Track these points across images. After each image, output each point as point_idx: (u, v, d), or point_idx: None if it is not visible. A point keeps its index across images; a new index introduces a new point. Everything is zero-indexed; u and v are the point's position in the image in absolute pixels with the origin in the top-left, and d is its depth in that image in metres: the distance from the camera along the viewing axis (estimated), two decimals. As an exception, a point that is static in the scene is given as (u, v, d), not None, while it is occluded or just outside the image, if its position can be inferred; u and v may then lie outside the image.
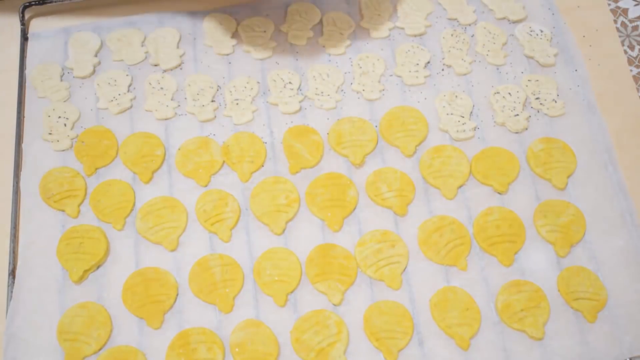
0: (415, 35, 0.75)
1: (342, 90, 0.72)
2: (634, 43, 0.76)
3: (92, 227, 0.64)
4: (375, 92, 0.71)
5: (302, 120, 0.70)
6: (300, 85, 0.72)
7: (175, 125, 0.70)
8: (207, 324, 0.60)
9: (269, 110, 0.71)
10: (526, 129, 0.70)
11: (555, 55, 0.74)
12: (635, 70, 0.74)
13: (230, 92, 0.71)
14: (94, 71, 0.73)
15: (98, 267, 0.63)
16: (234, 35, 0.75)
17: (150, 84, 0.72)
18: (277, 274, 0.62)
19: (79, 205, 0.65)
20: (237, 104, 0.71)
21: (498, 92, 0.71)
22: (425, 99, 0.71)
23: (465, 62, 0.73)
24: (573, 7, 0.77)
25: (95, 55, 0.73)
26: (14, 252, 0.63)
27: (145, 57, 0.74)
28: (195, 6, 0.77)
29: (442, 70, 0.73)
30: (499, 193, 0.67)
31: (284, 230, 0.64)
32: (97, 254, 0.62)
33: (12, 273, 0.62)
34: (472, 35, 0.75)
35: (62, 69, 0.72)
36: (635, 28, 0.77)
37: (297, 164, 0.67)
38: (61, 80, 0.72)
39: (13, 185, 0.66)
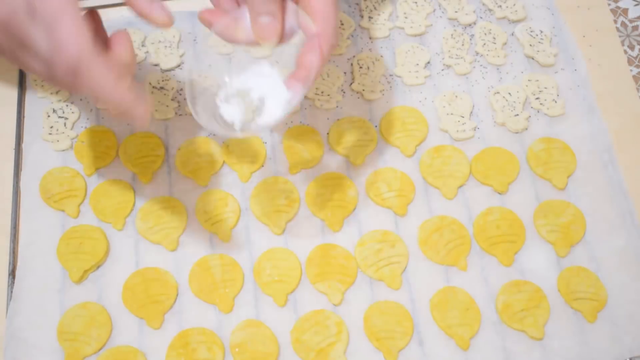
0: (415, 35, 0.75)
1: (342, 90, 0.72)
2: (634, 43, 0.76)
3: (92, 227, 0.64)
4: (375, 92, 0.71)
5: (302, 120, 0.70)
6: (300, 85, 0.72)
7: (175, 125, 0.70)
8: (207, 324, 0.60)
9: (269, 110, 0.71)
10: (526, 129, 0.70)
11: (555, 55, 0.74)
12: (635, 70, 0.74)
13: (230, 92, 0.71)
14: (94, 71, 0.72)
15: (98, 267, 0.63)
16: (234, 35, 0.75)
17: (150, 84, 0.72)
18: (277, 274, 0.62)
19: (79, 205, 0.65)
20: (237, 104, 0.70)
21: (498, 92, 0.71)
22: (425, 99, 0.71)
23: (465, 62, 0.73)
24: (573, 7, 0.77)
25: (95, 55, 0.73)
26: (14, 252, 0.63)
27: (145, 57, 0.74)
28: (195, 6, 0.77)
29: (442, 70, 0.73)
30: (499, 193, 0.67)
31: (284, 230, 0.64)
32: (97, 254, 0.62)
33: (12, 273, 0.62)
34: (472, 35, 0.75)
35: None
36: (635, 28, 0.77)
37: (297, 164, 0.67)
38: (61, 80, 0.72)
39: (13, 185, 0.66)
